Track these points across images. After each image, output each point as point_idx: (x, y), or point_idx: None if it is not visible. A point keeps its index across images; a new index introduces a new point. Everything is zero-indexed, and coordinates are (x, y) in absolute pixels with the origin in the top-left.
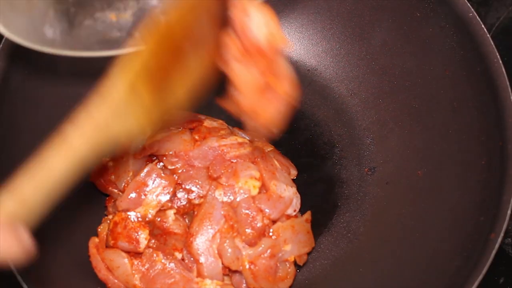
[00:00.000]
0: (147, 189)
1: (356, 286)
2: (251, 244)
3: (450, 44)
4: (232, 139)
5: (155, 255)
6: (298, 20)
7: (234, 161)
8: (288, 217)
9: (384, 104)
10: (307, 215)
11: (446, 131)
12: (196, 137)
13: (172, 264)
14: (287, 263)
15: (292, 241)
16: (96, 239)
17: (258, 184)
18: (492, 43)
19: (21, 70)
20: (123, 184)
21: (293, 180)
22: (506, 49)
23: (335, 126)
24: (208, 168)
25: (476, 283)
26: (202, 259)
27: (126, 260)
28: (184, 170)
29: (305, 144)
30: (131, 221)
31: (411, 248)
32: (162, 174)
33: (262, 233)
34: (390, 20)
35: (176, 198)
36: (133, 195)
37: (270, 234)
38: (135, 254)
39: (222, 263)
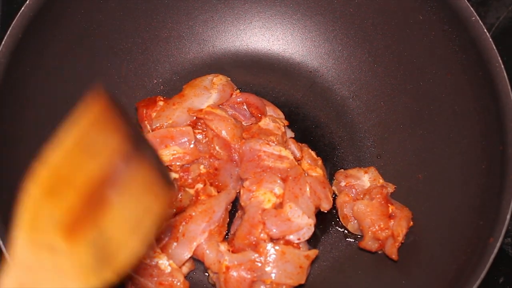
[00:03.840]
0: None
1: None
2: (237, 250)
3: (453, 48)
4: (276, 149)
5: None
6: (301, 21)
7: (267, 169)
8: (288, 242)
9: (385, 107)
10: (311, 252)
11: (447, 134)
12: (244, 135)
13: None
14: (263, 285)
15: (277, 267)
16: None
17: (274, 200)
18: (495, 48)
19: (23, 67)
20: None
21: None
22: (506, 49)
23: (336, 128)
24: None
25: (475, 287)
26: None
27: None
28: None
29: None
30: None
31: (411, 251)
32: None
33: (253, 245)
34: (393, 23)
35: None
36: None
37: (261, 250)
38: None
39: (204, 263)
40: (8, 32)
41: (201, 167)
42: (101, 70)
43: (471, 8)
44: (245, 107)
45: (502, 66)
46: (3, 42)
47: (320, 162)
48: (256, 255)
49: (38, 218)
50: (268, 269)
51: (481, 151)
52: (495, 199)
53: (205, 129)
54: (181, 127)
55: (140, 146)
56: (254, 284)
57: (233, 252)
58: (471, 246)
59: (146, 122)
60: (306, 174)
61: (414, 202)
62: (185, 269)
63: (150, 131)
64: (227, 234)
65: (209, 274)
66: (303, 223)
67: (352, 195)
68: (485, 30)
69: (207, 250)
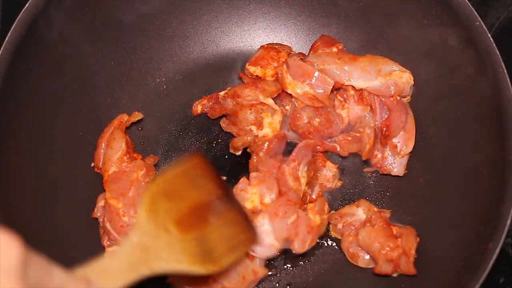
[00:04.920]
0: None
1: None
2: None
3: (456, 53)
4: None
5: None
6: (306, 23)
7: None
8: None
9: None
10: (260, 270)
11: (449, 139)
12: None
13: None
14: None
15: None
16: None
17: (258, 206)
18: (498, 53)
19: (25, 66)
20: None
21: None
22: (506, 49)
23: None
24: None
25: None
26: None
27: None
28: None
29: None
30: None
31: None
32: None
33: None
34: (397, 27)
35: None
36: None
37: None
38: None
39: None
40: (12, 29)
41: (316, 119)
42: (104, 68)
43: (475, 13)
44: (385, 114)
45: (506, 71)
46: (5, 40)
47: (325, 216)
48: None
49: (155, 205)
50: None
51: (483, 157)
52: (496, 204)
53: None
54: (326, 76)
55: (229, 195)
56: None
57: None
58: (470, 251)
59: (312, 52)
60: (303, 210)
61: (415, 206)
62: None
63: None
64: None
65: None
66: (266, 241)
67: (353, 232)
68: (489, 36)
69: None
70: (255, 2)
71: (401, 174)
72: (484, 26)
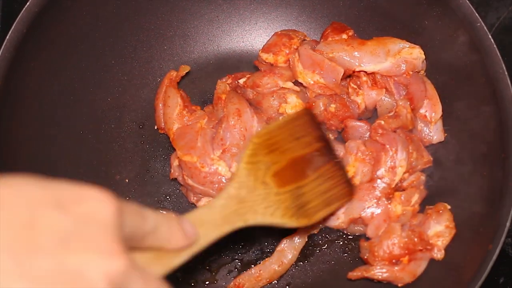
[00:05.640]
0: None
1: None
2: None
3: (457, 54)
4: None
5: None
6: (306, 23)
7: None
8: None
9: None
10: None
11: (448, 139)
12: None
13: None
14: None
15: None
16: None
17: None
18: (499, 54)
19: (25, 64)
20: None
21: None
22: (506, 49)
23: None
24: None
25: None
26: None
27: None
28: None
29: None
30: None
31: None
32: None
33: None
34: (398, 28)
35: None
36: None
37: None
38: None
39: None
40: (13, 27)
41: (332, 105)
42: (105, 67)
43: (476, 14)
44: (402, 91)
45: (506, 72)
46: (7, 38)
47: (410, 208)
48: None
49: (256, 157)
50: None
51: (483, 158)
52: (495, 206)
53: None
54: (335, 64)
55: (329, 148)
56: None
57: None
58: (470, 252)
59: (322, 40)
60: (388, 198)
61: None
62: None
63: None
64: None
65: None
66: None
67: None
68: (490, 37)
69: None
70: (256, 2)
71: (443, 139)
72: (484, 26)
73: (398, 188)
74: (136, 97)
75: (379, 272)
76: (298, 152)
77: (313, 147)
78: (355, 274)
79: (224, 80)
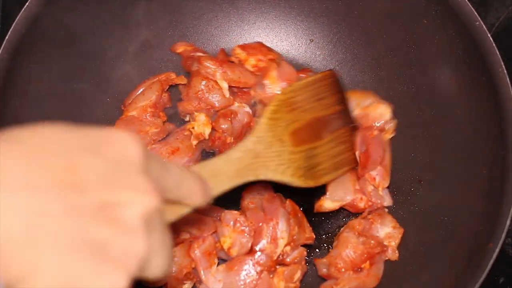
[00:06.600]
0: None
1: None
2: None
3: (456, 52)
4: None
5: None
6: (305, 23)
7: None
8: None
9: None
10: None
11: (449, 139)
12: None
13: None
14: None
15: None
16: None
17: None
18: (498, 53)
19: (25, 65)
20: None
21: None
22: (506, 49)
23: None
24: None
25: None
26: None
27: None
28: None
29: None
30: None
31: (410, 255)
32: None
33: None
34: (397, 27)
35: None
36: None
37: None
38: None
39: None
40: (12, 28)
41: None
42: (105, 67)
43: (475, 13)
44: (363, 147)
45: (505, 71)
46: (5, 39)
47: (293, 285)
48: None
49: (277, 113)
50: None
51: (482, 156)
52: (495, 204)
53: None
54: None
55: (348, 114)
56: None
57: None
58: (470, 251)
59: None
60: (270, 272)
61: (414, 206)
62: None
63: None
64: None
65: None
66: None
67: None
68: (489, 36)
69: None
70: (255, 2)
71: (391, 203)
72: (484, 26)
73: (280, 261)
74: None
75: (347, 282)
76: (318, 113)
77: (332, 109)
78: None
79: (182, 44)
